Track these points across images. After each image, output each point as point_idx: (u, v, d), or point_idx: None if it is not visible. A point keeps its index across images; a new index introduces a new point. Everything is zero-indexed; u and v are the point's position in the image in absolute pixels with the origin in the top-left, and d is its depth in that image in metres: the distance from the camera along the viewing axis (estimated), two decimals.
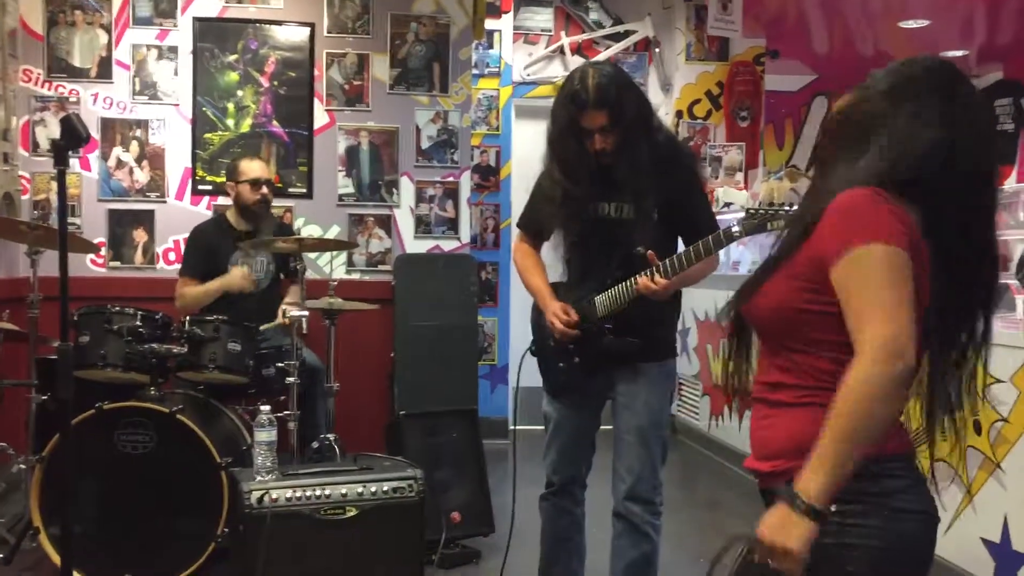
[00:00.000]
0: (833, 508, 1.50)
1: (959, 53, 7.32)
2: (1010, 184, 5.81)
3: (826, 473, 1.47)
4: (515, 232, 3.21)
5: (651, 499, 2.85)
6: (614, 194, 2.80)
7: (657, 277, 2.66)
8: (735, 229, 2.58)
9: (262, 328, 3.96)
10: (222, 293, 4.21)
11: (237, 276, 4.24)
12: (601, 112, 2.68)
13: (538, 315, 3.00)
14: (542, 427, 3.07)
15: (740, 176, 6.74)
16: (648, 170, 2.72)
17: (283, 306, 4.23)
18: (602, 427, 3.04)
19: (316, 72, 5.16)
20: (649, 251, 2.67)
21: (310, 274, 4.91)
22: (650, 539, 2.85)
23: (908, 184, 1.57)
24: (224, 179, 4.58)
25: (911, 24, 6.63)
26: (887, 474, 1.55)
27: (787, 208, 2.51)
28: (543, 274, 3.02)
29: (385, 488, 3.12)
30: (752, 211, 2.56)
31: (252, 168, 4.34)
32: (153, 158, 5.07)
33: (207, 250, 4.31)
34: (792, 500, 1.48)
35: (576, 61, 6.82)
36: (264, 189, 4.31)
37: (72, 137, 2.41)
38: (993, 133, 1.71)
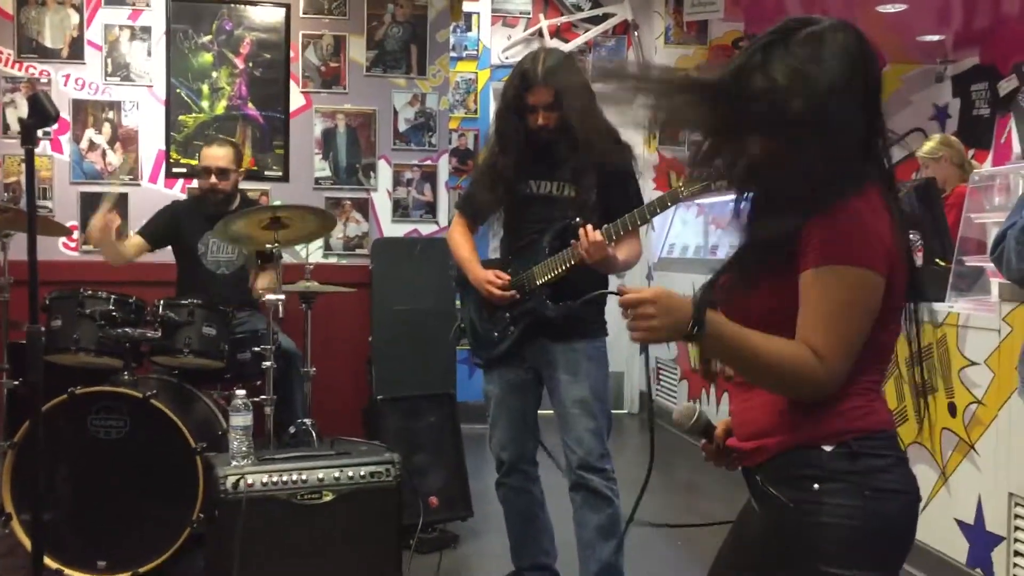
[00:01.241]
0: (816, 486, 1.53)
1: (936, 38, 7.34)
2: (986, 168, 5.83)
3: (727, 344, 1.54)
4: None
5: (603, 467, 2.95)
6: (553, 173, 2.94)
7: (595, 231, 2.73)
8: (681, 189, 2.72)
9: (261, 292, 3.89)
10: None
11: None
12: (547, 89, 2.83)
13: (466, 290, 3.10)
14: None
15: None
16: (590, 151, 2.85)
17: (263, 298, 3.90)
18: (541, 411, 3.13)
19: (292, 54, 5.11)
20: (585, 223, 2.77)
21: (287, 258, 4.87)
22: (611, 501, 2.94)
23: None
24: (196, 162, 4.53)
25: (888, 9, 6.63)
26: (868, 452, 1.55)
27: None
28: (473, 248, 3.13)
29: (362, 473, 3.11)
30: (695, 175, 2.66)
31: (206, 155, 4.21)
32: (126, 140, 5.00)
33: (174, 223, 4.27)
34: (699, 319, 1.51)
35: (555, 44, 6.79)
36: (213, 179, 4.14)
37: (40, 115, 2.37)
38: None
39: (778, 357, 1.53)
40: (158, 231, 4.28)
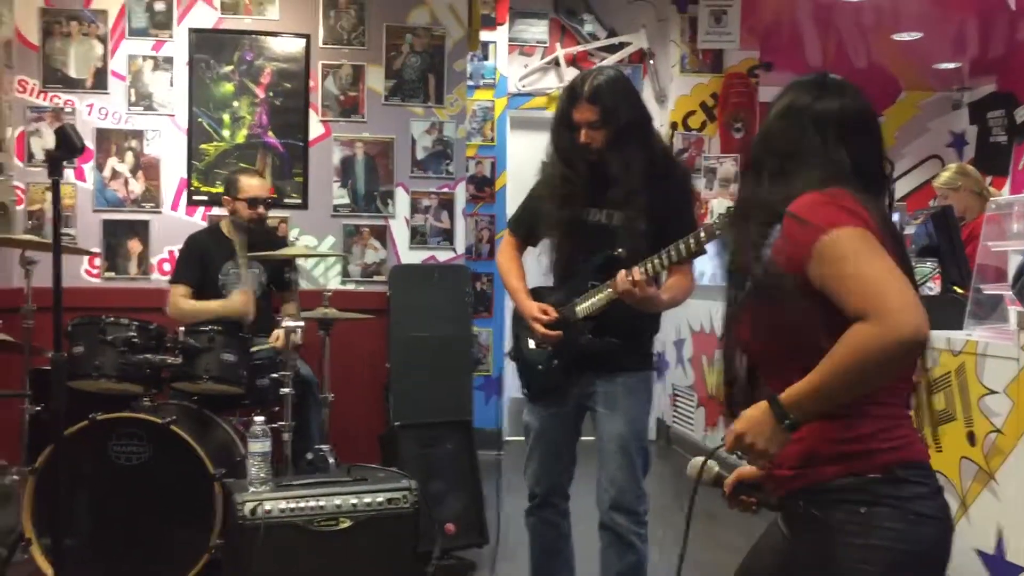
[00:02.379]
0: (863, 510, 1.58)
1: (952, 65, 7.36)
2: (1004, 195, 5.82)
3: (814, 402, 1.57)
4: (503, 234, 3.23)
5: (635, 509, 2.86)
6: (604, 201, 2.83)
7: (635, 269, 2.65)
8: (716, 227, 2.58)
9: (253, 349, 3.93)
10: (215, 317, 4.08)
11: (239, 302, 4.14)
12: (592, 107, 2.75)
13: (517, 319, 3.03)
14: None
15: (735, 187, 6.75)
16: (640, 176, 2.75)
17: (281, 327, 3.95)
18: (584, 438, 3.04)
19: (311, 83, 5.17)
20: (628, 257, 2.68)
21: (305, 285, 4.91)
22: (635, 549, 2.86)
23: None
24: (222, 190, 4.58)
25: (904, 37, 6.66)
26: (912, 480, 1.61)
27: None
28: (522, 277, 3.04)
29: (379, 499, 3.12)
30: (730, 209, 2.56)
31: (251, 186, 4.32)
32: (148, 169, 5.07)
33: (201, 258, 4.31)
34: (780, 412, 1.57)
35: (571, 72, 6.84)
36: (261, 209, 4.30)
37: (67, 148, 2.42)
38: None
39: (848, 360, 1.53)
40: (194, 274, 4.30)
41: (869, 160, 1.73)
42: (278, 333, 4.07)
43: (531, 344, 2.96)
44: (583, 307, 2.83)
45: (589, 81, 2.77)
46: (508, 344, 3.27)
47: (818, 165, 1.67)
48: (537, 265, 3.03)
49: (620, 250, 2.74)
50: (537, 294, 2.97)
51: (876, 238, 1.58)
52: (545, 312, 2.86)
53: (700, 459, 1.80)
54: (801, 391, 1.57)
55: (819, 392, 1.56)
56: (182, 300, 4.23)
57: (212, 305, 4.17)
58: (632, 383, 2.89)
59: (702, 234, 2.63)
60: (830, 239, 1.56)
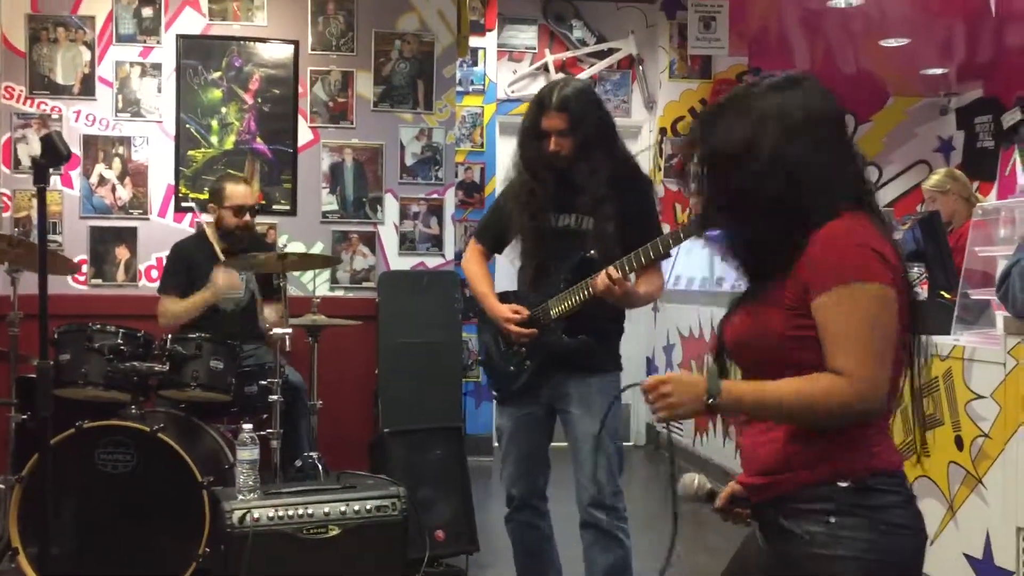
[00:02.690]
0: (832, 520, 1.57)
1: (939, 71, 7.39)
2: (991, 200, 5.85)
3: (752, 406, 1.61)
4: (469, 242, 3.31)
5: (614, 505, 2.92)
6: (572, 206, 2.92)
7: (611, 269, 2.74)
8: (685, 228, 2.72)
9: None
10: (207, 306, 4.11)
11: (222, 280, 4.08)
12: (560, 115, 2.84)
13: (484, 323, 3.11)
14: None
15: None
16: (607, 182, 2.85)
17: (269, 334, 3.96)
18: (555, 444, 3.11)
19: (300, 89, 5.16)
20: (602, 257, 2.78)
21: (293, 291, 4.90)
22: (621, 543, 2.91)
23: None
24: (207, 197, 4.56)
25: (892, 43, 6.69)
26: (882, 489, 1.59)
27: None
28: (491, 282, 3.13)
29: (368, 507, 3.11)
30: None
31: (237, 193, 4.28)
32: (136, 175, 5.05)
33: (188, 266, 4.29)
34: (714, 389, 1.58)
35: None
36: (247, 217, 4.27)
37: (53, 155, 2.40)
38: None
39: (803, 396, 1.56)
40: (182, 278, 4.27)
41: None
42: (268, 314, 4.08)
43: (501, 347, 3.03)
44: (557, 308, 2.90)
45: (557, 91, 2.87)
46: None
47: (834, 183, 1.63)
48: (511, 268, 3.12)
49: (592, 252, 2.84)
50: (504, 299, 3.05)
51: (895, 290, 1.57)
52: (516, 312, 2.93)
53: (691, 477, 1.80)
54: (746, 390, 1.60)
55: (762, 402, 1.60)
56: (172, 306, 4.21)
57: (198, 297, 4.12)
58: (604, 384, 2.95)
59: (681, 232, 2.74)
60: (855, 290, 1.55)
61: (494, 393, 3.16)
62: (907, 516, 1.61)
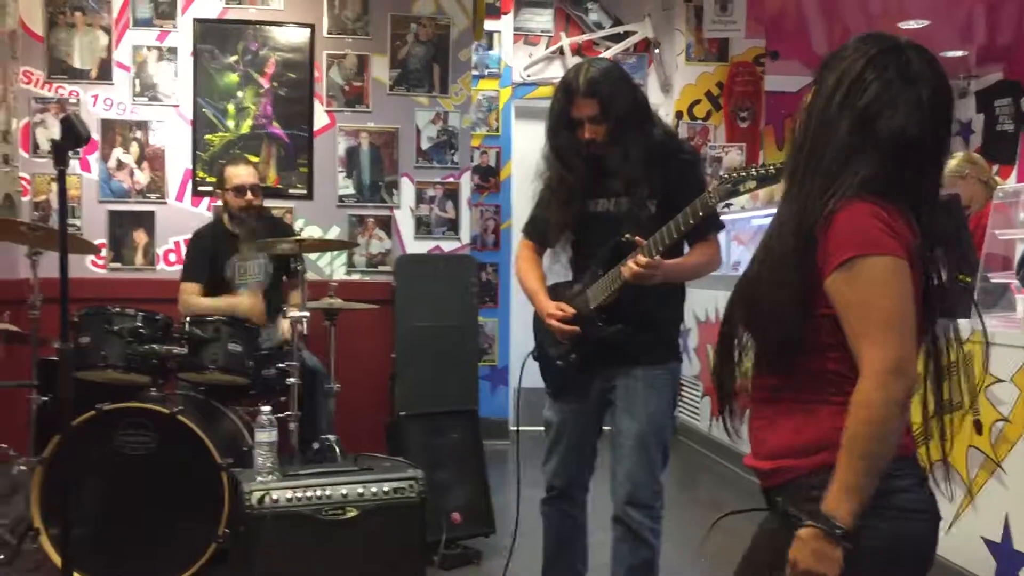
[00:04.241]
0: None
1: (959, 53, 7.33)
2: (1011, 184, 5.80)
3: (851, 496, 1.50)
4: (518, 239, 3.20)
5: (650, 504, 2.80)
6: (609, 189, 2.80)
7: (639, 257, 2.60)
8: (710, 196, 2.51)
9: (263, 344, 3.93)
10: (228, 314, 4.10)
11: (247, 304, 4.13)
12: (590, 101, 2.70)
13: (537, 320, 2.98)
14: (542, 428, 3.05)
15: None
16: (641, 162, 2.71)
17: (287, 317, 4.00)
18: (607, 427, 2.99)
19: (316, 73, 5.16)
20: (636, 236, 2.63)
21: (311, 275, 4.92)
22: (649, 544, 2.81)
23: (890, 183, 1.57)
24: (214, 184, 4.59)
25: (911, 25, 6.63)
26: (892, 474, 1.55)
27: (755, 171, 2.48)
28: (540, 277, 2.99)
29: (385, 489, 3.12)
30: (723, 177, 2.50)
31: (236, 174, 4.27)
32: (153, 159, 5.07)
33: (207, 253, 4.31)
34: (829, 527, 1.50)
35: (576, 62, 6.82)
36: (249, 195, 4.24)
37: (72, 137, 2.41)
38: (945, 98, 1.66)
39: (859, 436, 1.50)
40: (204, 266, 4.29)
41: None
42: (284, 326, 4.08)
43: (551, 342, 2.92)
44: (595, 298, 2.79)
45: (583, 75, 2.72)
46: (516, 336, 3.26)
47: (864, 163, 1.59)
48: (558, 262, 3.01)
49: (627, 236, 2.68)
50: (555, 290, 2.94)
51: (909, 265, 1.54)
52: (561, 309, 2.82)
53: None
54: (835, 492, 1.52)
55: (854, 477, 1.51)
56: (192, 298, 4.23)
57: (221, 305, 4.13)
58: (652, 376, 2.82)
59: (698, 203, 2.54)
60: (864, 263, 1.52)
61: (546, 388, 3.01)
62: (916, 500, 1.58)
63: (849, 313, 1.53)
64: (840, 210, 1.55)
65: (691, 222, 2.57)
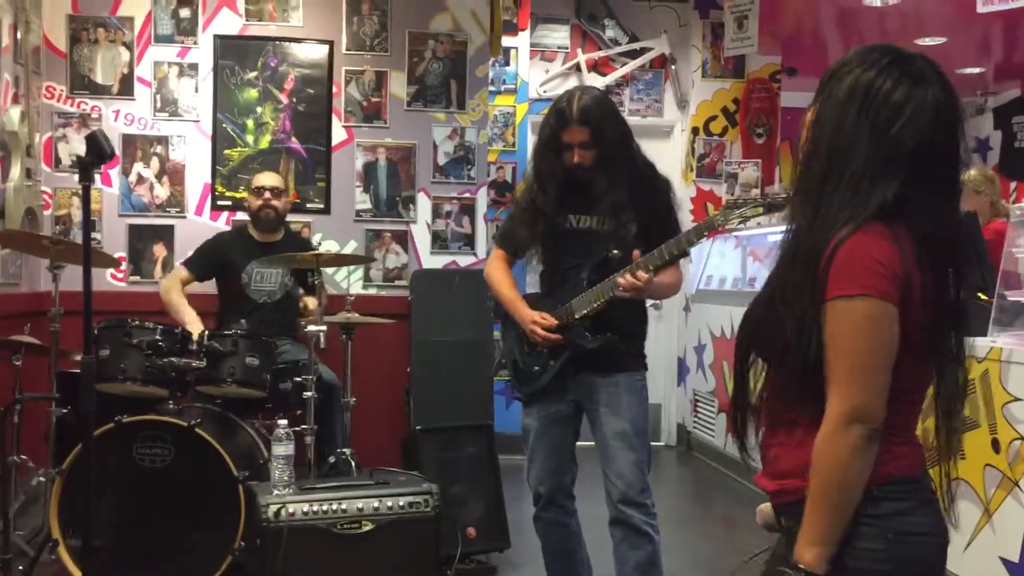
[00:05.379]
0: None
1: (976, 70, 7.32)
2: None
3: (817, 540, 1.52)
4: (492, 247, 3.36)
5: (643, 502, 2.94)
6: (592, 207, 2.96)
7: (640, 272, 2.79)
8: (716, 217, 2.75)
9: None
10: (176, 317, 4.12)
11: (192, 321, 4.04)
12: (582, 128, 2.88)
13: (507, 326, 3.15)
14: None
15: (756, 193, 6.74)
16: (627, 187, 2.90)
17: (304, 331, 3.90)
18: (580, 443, 3.13)
19: (334, 89, 5.20)
20: (635, 250, 2.81)
21: (328, 289, 4.94)
22: (651, 538, 2.93)
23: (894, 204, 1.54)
24: (246, 195, 4.70)
25: (928, 42, 6.63)
26: (889, 498, 1.54)
27: (761, 197, 2.63)
28: (515, 286, 3.16)
29: (401, 503, 3.14)
30: (730, 202, 2.74)
31: (259, 178, 4.49)
32: (173, 174, 5.12)
33: (220, 256, 4.40)
34: (797, 574, 1.51)
35: (592, 78, 6.85)
36: (267, 195, 4.38)
37: (97, 153, 2.46)
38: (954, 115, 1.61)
39: (822, 477, 1.52)
40: (204, 264, 4.40)
41: None
42: (310, 302, 4.23)
43: (525, 348, 3.07)
44: (581, 308, 2.93)
45: (576, 103, 2.89)
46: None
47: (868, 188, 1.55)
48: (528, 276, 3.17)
49: (615, 252, 2.87)
50: (530, 301, 3.09)
51: (894, 306, 1.51)
52: (544, 318, 2.97)
53: (767, 507, 1.76)
54: (806, 529, 1.53)
55: (818, 529, 1.52)
56: (171, 281, 4.32)
57: (184, 313, 4.11)
58: (631, 383, 3.00)
59: (703, 225, 2.79)
60: (840, 306, 1.51)
61: (516, 395, 3.19)
62: (920, 522, 1.56)
63: (828, 350, 1.54)
64: (848, 238, 1.53)
65: (692, 242, 2.82)
